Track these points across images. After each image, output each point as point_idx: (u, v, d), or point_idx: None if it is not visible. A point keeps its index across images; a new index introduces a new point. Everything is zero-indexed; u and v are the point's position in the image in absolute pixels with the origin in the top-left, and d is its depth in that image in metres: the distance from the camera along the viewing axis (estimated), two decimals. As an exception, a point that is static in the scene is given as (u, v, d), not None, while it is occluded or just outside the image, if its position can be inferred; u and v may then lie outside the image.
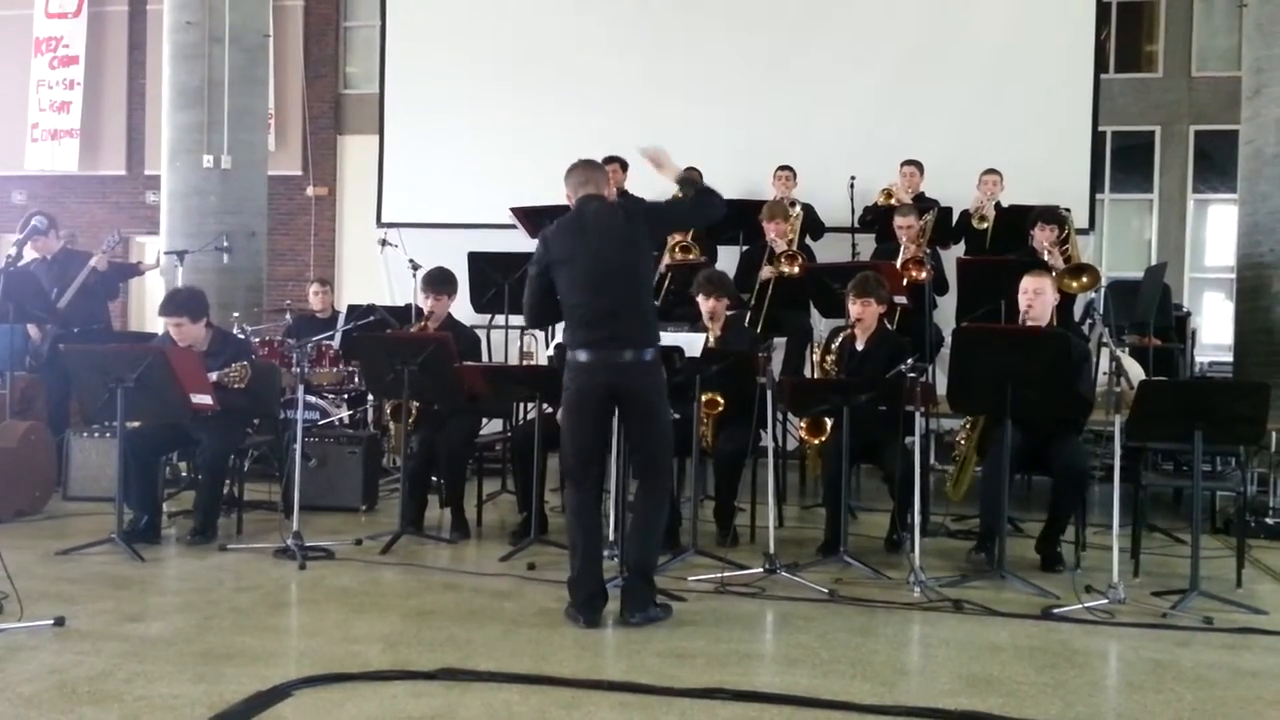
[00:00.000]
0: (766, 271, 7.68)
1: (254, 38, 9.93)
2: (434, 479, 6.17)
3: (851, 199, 8.93)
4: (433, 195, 10.09)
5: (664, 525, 4.55)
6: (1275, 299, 8.00)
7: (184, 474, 7.05)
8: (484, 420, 6.82)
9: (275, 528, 5.81)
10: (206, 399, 5.36)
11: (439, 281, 6.18)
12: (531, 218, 8.50)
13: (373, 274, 10.48)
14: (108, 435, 6.61)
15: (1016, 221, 7.82)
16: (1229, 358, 9.03)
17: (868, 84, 9.53)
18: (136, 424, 5.63)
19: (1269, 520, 6.43)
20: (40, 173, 14.79)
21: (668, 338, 4.88)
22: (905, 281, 7.16)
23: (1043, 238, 7.21)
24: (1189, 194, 13.31)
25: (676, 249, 7.66)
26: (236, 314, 8.75)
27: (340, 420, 7.94)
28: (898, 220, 7.64)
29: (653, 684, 3.56)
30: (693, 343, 5.27)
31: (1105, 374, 5.90)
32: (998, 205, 8.32)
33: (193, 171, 9.59)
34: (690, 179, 4.73)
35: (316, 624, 4.33)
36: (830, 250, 8.69)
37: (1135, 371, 6.34)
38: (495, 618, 4.36)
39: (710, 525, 5.87)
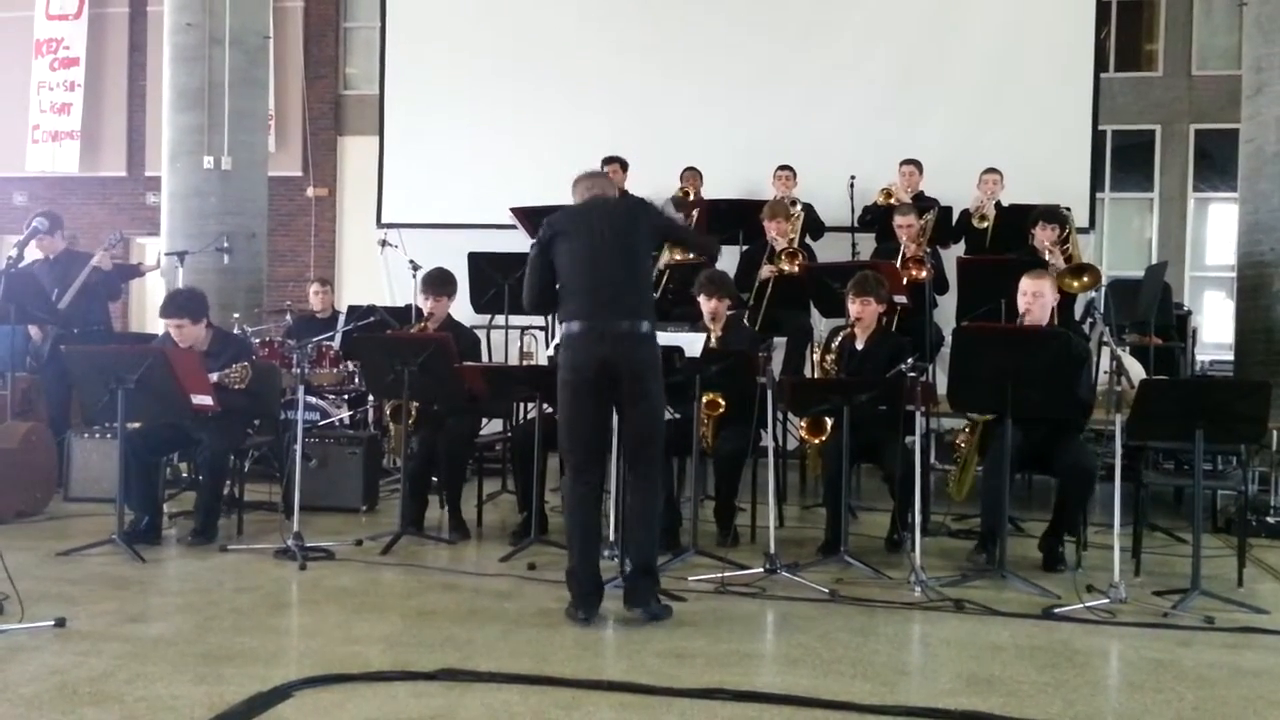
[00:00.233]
0: (766, 270, 7.68)
1: (254, 39, 9.93)
2: (434, 479, 6.17)
3: (851, 198, 8.94)
4: (433, 196, 10.10)
5: (659, 513, 4.48)
6: (1276, 298, 8.00)
7: (184, 475, 7.06)
8: (484, 420, 6.82)
9: (276, 528, 5.81)
10: (207, 400, 5.37)
11: (438, 283, 6.18)
12: (531, 218, 8.49)
13: (373, 274, 10.49)
14: (108, 436, 6.62)
15: (1017, 221, 7.82)
16: (1230, 356, 9.02)
17: (868, 83, 9.53)
18: (137, 425, 5.63)
19: (1270, 519, 6.43)
20: (41, 174, 14.81)
21: (667, 337, 4.88)
22: (905, 281, 7.16)
23: (1044, 237, 7.20)
24: (1189, 193, 13.31)
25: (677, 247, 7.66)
26: (237, 315, 8.76)
27: (340, 421, 7.94)
28: (897, 220, 7.64)
29: (653, 684, 3.56)
30: (693, 343, 5.26)
31: (1106, 373, 5.91)
32: (998, 205, 8.32)
33: (193, 173, 9.60)
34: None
35: (317, 625, 4.33)
36: (830, 250, 8.70)
37: (1136, 371, 6.34)
38: (495, 618, 4.36)
39: (710, 525, 5.87)
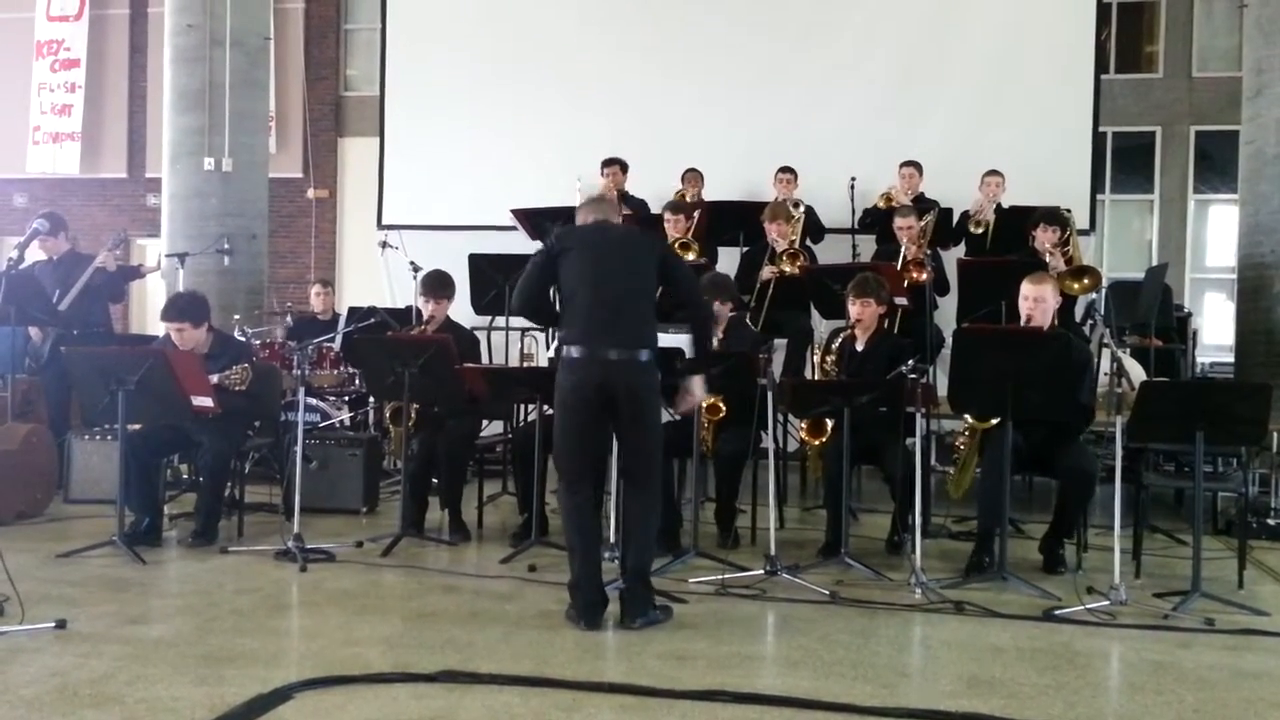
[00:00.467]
0: (767, 271, 7.68)
1: (255, 40, 9.93)
2: (435, 481, 6.17)
3: (852, 200, 8.93)
4: (433, 197, 10.10)
5: (657, 526, 4.49)
6: (1276, 299, 8.00)
7: (185, 476, 7.05)
8: (484, 422, 6.82)
9: (276, 530, 5.82)
10: (207, 401, 5.37)
11: (437, 285, 6.18)
12: (532, 219, 8.51)
13: (373, 276, 10.48)
14: (109, 438, 6.62)
15: (1017, 222, 7.82)
16: (1230, 358, 9.03)
17: (868, 84, 9.54)
18: (137, 426, 5.63)
19: (1270, 521, 6.42)
20: (41, 175, 14.81)
21: (668, 339, 4.87)
22: (906, 282, 7.16)
23: (1044, 239, 7.21)
24: (1190, 194, 13.31)
25: (676, 246, 7.66)
26: (237, 316, 8.76)
27: (341, 422, 7.94)
28: (897, 221, 7.64)
29: (653, 686, 3.56)
30: (694, 345, 5.25)
31: (1107, 375, 5.90)
32: (998, 206, 8.31)
33: (194, 174, 9.60)
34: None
35: (317, 626, 4.33)
36: (831, 251, 8.69)
37: (1136, 372, 6.34)
38: (496, 620, 4.36)
39: (711, 527, 5.87)
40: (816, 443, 5.73)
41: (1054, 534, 5.44)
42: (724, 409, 5.61)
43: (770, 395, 5.32)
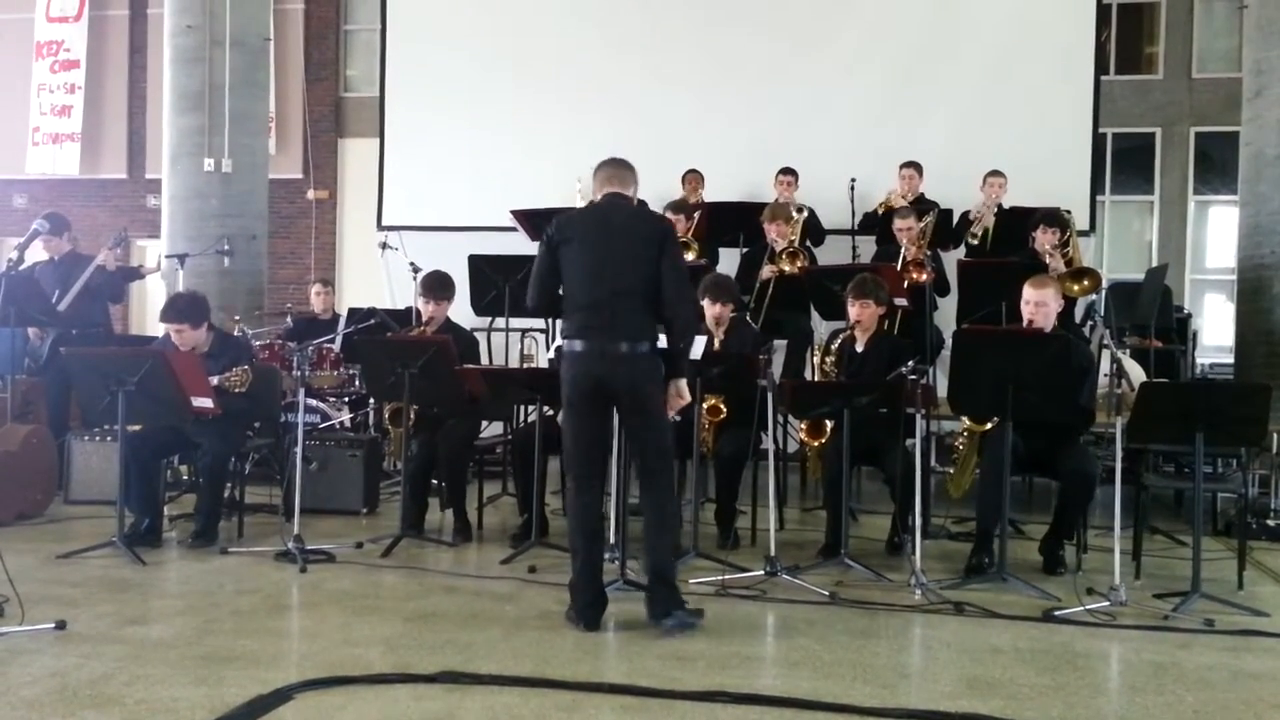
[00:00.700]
0: (767, 271, 7.68)
1: (254, 41, 9.93)
2: (434, 482, 6.17)
3: (852, 201, 8.94)
4: (433, 198, 10.10)
5: (673, 523, 4.45)
6: (1276, 300, 8.00)
7: (185, 477, 7.06)
8: (484, 423, 6.82)
9: (276, 531, 5.82)
10: (207, 402, 5.37)
11: (437, 286, 6.18)
12: (532, 220, 8.51)
13: (373, 277, 10.49)
14: (109, 439, 6.62)
15: (1017, 224, 7.82)
16: (1230, 359, 9.03)
17: (868, 85, 9.54)
18: (137, 427, 5.64)
19: (1270, 522, 6.43)
20: (41, 176, 14.81)
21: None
22: (906, 283, 7.16)
23: (1044, 240, 7.21)
24: (1190, 196, 13.31)
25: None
26: (237, 317, 8.76)
27: (341, 423, 7.94)
28: (897, 223, 7.65)
29: (653, 687, 3.56)
30: (695, 345, 5.25)
31: (1106, 376, 5.90)
32: (999, 207, 8.31)
33: (193, 175, 9.60)
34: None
35: (317, 627, 4.33)
36: (831, 252, 8.70)
37: (1136, 373, 6.33)
38: (496, 620, 4.36)
39: (711, 528, 5.87)
40: (816, 444, 5.74)
41: (1054, 535, 5.44)
42: (724, 410, 5.61)
43: (770, 396, 5.32)
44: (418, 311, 6.39)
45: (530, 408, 5.94)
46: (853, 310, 5.79)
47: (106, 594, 4.67)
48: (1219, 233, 12.97)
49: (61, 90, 14.72)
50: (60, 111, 14.72)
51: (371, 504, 6.83)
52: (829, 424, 5.55)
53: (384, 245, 9.48)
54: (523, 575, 5.09)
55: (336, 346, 8.11)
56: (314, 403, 7.76)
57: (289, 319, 9.26)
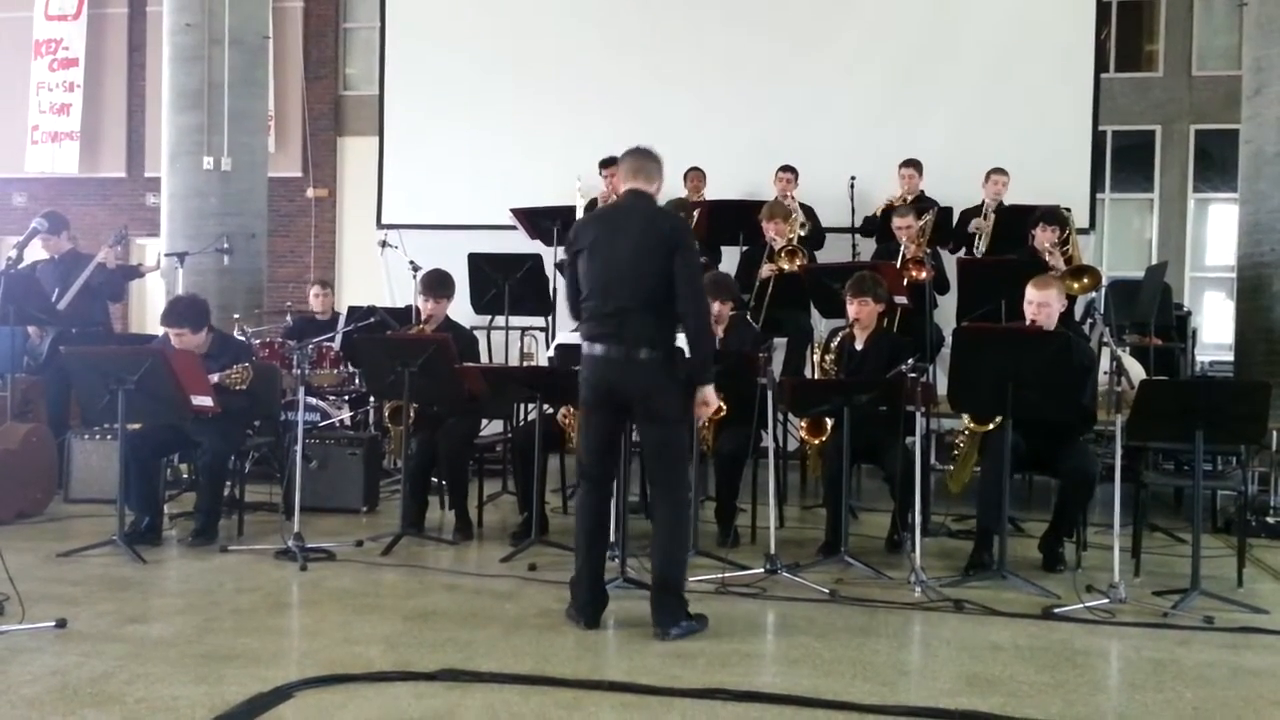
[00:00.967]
0: (767, 269, 7.68)
1: (254, 39, 9.93)
2: (435, 480, 6.17)
3: (851, 199, 8.95)
4: (433, 196, 10.10)
5: (684, 533, 4.37)
6: (1276, 298, 8.00)
7: (185, 476, 7.06)
8: (484, 421, 6.82)
9: (276, 529, 5.82)
10: (207, 401, 5.37)
11: (437, 284, 6.18)
12: (531, 219, 8.52)
13: (373, 275, 10.49)
14: (109, 437, 6.62)
15: (1016, 222, 7.82)
16: (1230, 357, 9.03)
17: (868, 84, 9.54)
18: (137, 426, 5.63)
19: (1270, 519, 6.43)
20: (41, 175, 14.81)
21: None
22: (905, 281, 7.16)
23: (1044, 238, 7.22)
24: (1189, 193, 13.31)
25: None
26: (237, 316, 8.76)
27: (341, 422, 7.95)
28: (896, 221, 7.65)
29: (654, 684, 3.56)
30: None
31: (1106, 373, 5.91)
32: (999, 205, 8.31)
33: (193, 173, 9.60)
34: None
35: (317, 625, 4.33)
36: (831, 251, 8.70)
37: (1136, 371, 6.34)
38: (496, 618, 4.36)
39: (711, 526, 5.87)
40: (816, 441, 5.73)
41: (1054, 533, 5.44)
42: (724, 408, 5.61)
43: (770, 394, 5.32)
44: (417, 310, 6.39)
45: (530, 406, 5.94)
46: (851, 308, 5.79)
47: (107, 592, 4.67)
48: (1219, 230, 12.98)
49: (60, 88, 14.72)
50: (59, 110, 14.72)
51: (371, 502, 6.83)
52: (829, 422, 5.55)
53: (383, 244, 9.48)
54: (523, 573, 5.09)
55: (336, 345, 8.12)
56: (314, 401, 7.76)
57: (288, 317, 9.26)
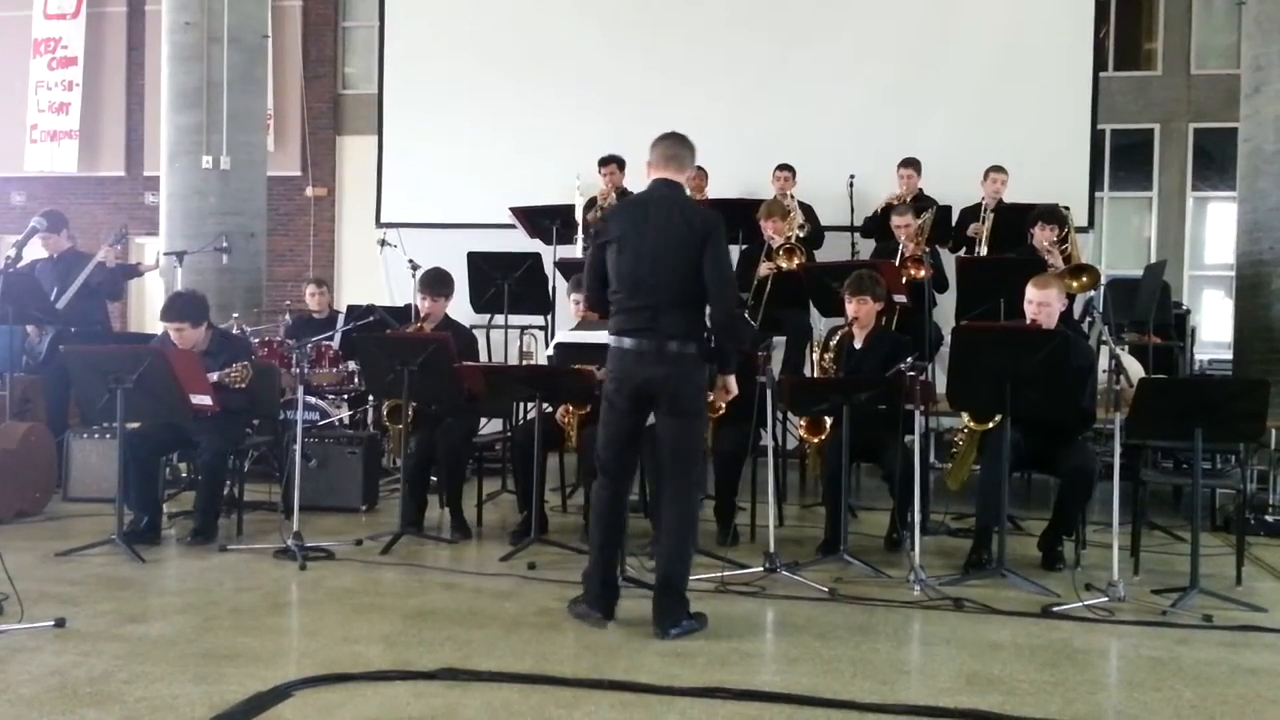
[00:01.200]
0: (765, 268, 7.68)
1: (253, 38, 9.92)
2: (434, 479, 6.17)
3: (851, 198, 8.94)
4: (432, 195, 10.09)
5: (690, 534, 4.33)
6: (1275, 296, 8.00)
7: (184, 475, 7.06)
8: (483, 420, 6.82)
9: (275, 528, 5.81)
10: (206, 400, 5.37)
11: (436, 283, 6.18)
12: (531, 217, 8.51)
13: (372, 274, 10.48)
14: (108, 436, 6.61)
15: (1015, 220, 7.82)
16: (1229, 355, 9.03)
17: (868, 83, 9.53)
18: (136, 425, 5.63)
19: (1268, 518, 6.44)
20: (39, 174, 14.79)
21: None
22: (904, 280, 7.16)
23: (1043, 237, 7.22)
24: (1188, 192, 13.31)
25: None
26: (236, 315, 8.75)
27: (340, 421, 7.94)
28: (895, 220, 7.65)
29: (653, 683, 3.57)
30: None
31: (1105, 372, 5.91)
32: (998, 203, 8.31)
33: (192, 172, 9.59)
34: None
35: (317, 624, 4.33)
36: (830, 250, 8.70)
37: (1135, 369, 6.34)
38: (495, 617, 4.36)
39: (710, 524, 5.87)
40: (815, 440, 5.74)
41: (1053, 531, 5.44)
42: (723, 406, 5.61)
43: (769, 393, 5.32)
44: (416, 309, 6.39)
45: (529, 405, 5.94)
46: (850, 307, 5.79)
47: (106, 591, 4.67)
48: (1217, 229, 12.98)
49: (59, 87, 14.70)
50: (58, 109, 14.70)
51: (371, 501, 6.83)
52: (828, 420, 5.56)
53: (383, 242, 9.46)
54: (522, 572, 5.09)
55: (335, 344, 8.11)
56: (313, 400, 7.75)
57: (287, 316, 9.25)
